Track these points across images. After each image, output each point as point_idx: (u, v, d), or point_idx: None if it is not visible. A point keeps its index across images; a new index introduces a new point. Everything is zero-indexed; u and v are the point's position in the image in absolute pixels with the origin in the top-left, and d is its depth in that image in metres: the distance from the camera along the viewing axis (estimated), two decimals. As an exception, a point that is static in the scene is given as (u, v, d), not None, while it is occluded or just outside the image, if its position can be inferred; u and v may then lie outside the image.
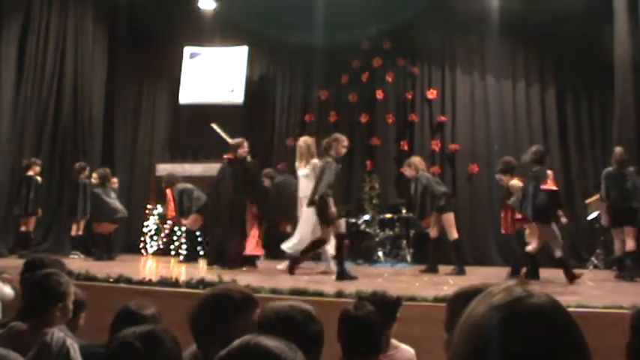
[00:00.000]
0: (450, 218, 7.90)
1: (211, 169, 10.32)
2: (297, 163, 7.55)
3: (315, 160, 7.27)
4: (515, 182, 7.24)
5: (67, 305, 2.67)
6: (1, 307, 4.00)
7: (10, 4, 10.00)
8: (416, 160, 8.43)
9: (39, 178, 9.06)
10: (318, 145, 7.31)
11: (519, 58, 10.40)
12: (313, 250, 7.20)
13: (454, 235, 7.84)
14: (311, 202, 6.68)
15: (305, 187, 7.24)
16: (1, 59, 9.81)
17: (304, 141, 7.58)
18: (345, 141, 6.92)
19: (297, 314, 1.97)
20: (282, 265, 7.50)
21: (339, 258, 6.65)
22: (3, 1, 9.86)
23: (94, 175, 9.19)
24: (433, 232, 8.09)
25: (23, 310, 2.71)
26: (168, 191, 9.15)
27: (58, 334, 2.46)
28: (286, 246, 7.48)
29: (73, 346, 2.46)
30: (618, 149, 7.46)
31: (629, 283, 6.81)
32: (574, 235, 9.19)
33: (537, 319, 0.84)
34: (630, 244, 7.11)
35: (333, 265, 7.06)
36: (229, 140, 10.87)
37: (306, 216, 7.23)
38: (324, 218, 6.64)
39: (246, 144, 7.78)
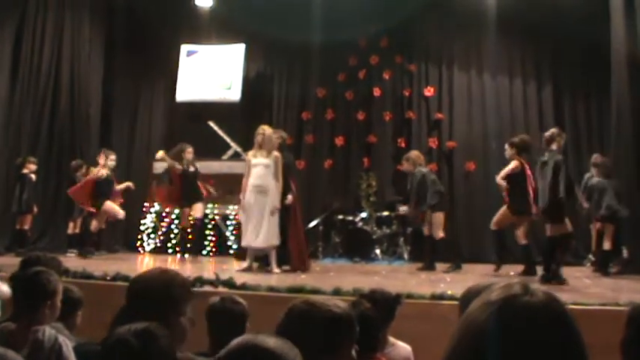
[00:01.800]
0: (439, 217, 7.92)
1: (208, 167, 10.31)
2: (253, 152, 7.16)
3: (276, 153, 7.10)
4: (514, 163, 7.27)
5: (55, 303, 2.67)
6: (1, 305, 3.99)
7: (5, 4, 9.94)
8: (414, 154, 8.42)
9: (33, 176, 9.03)
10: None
11: (516, 55, 10.39)
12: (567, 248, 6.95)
13: (439, 234, 7.88)
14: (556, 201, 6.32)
15: (262, 176, 6.96)
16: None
17: (268, 131, 7.21)
18: (564, 136, 6.81)
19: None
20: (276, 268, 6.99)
21: (550, 259, 6.37)
22: None
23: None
24: (427, 230, 8.09)
25: (14, 308, 2.71)
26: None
27: (49, 330, 2.46)
28: (258, 243, 6.89)
29: (66, 343, 2.45)
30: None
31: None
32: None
33: (530, 315, 0.84)
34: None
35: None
36: (226, 138, 10.92)
37: (270, 207, 6.90)
38: (562, 216, 6.38)
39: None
